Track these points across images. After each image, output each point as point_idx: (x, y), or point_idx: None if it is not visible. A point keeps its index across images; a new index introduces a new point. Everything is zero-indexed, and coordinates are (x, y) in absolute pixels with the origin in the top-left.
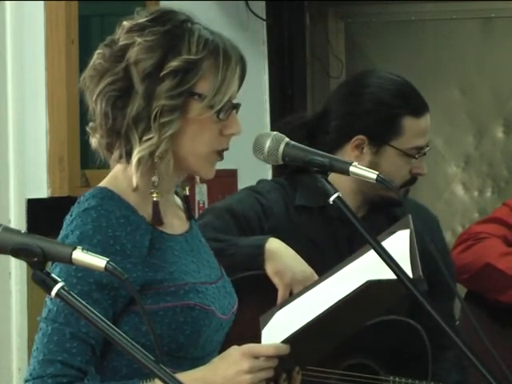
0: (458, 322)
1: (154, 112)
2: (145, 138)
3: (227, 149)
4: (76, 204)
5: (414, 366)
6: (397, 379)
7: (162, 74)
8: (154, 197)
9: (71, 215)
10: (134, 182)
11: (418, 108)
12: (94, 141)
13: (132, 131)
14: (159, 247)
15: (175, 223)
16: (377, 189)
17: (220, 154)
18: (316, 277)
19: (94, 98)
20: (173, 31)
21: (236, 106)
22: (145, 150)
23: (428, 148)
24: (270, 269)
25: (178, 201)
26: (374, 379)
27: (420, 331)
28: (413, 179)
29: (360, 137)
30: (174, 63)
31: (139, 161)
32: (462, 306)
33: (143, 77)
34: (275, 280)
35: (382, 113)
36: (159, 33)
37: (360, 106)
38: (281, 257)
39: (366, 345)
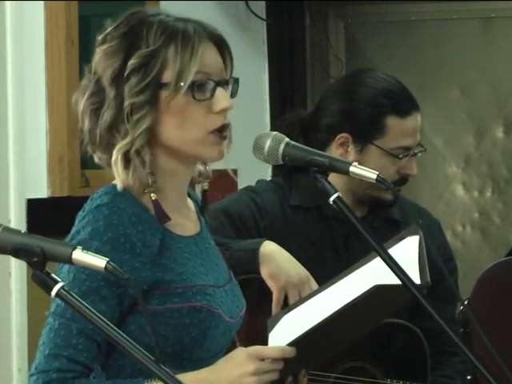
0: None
1: (126, 112)
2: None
3: (227, 124)
4: (89, 200)
5: (412, 369)
6: (394, 382)
7: (126, 74)
8: (152, 196)
9: (83, 211)
10: (119, 184)
11: (404, 108)
12: (95, 158)
13: (116, 139)
14: (169, 248)
15: (186, 225)
16: (366, 188)
17: (218, 134)
18: (312, 279)
19: (80, 117)
20: (131, 31)
21: (220, 83)
22: (121, 149)
23: (422, 149)
24: (264, 272)
25: (190, 203)
26: (371, 382)
27: (419, 334)
28: (402, 180)
29: (343, 135)
30: (134, 60)
31: (118, 159)
32: (463, 308)
33: (111, 82)
34: (270, 283)
35: (367, 111)
36: (119, 36)
37: (347, 105)
38: (275, 260)
39: (363, 348)
